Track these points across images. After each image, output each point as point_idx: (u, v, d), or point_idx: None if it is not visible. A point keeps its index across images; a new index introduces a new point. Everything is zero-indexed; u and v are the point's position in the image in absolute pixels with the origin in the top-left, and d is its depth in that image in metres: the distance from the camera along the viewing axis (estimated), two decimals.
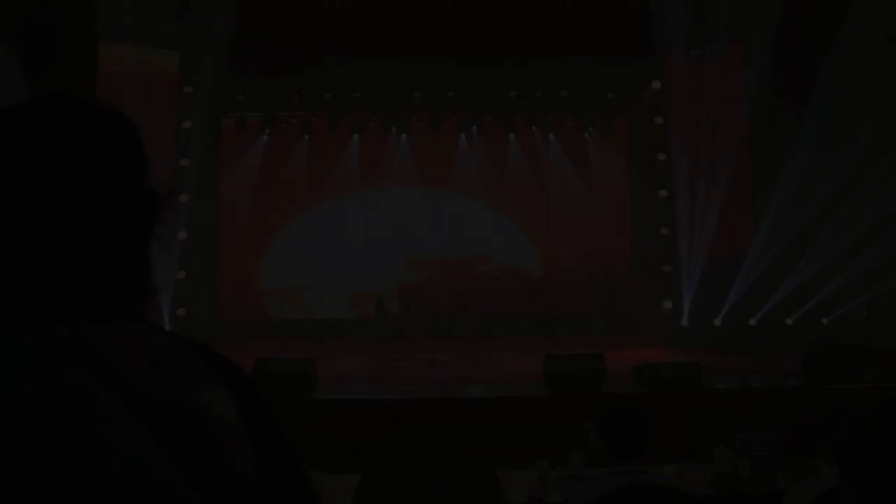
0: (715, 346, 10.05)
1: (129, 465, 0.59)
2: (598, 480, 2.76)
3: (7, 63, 9.74)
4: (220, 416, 0.69)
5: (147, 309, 0.79)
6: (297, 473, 0.78)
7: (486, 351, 10.06)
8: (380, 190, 13.01)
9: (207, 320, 11.69)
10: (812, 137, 9.85)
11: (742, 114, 10.50)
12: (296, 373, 5.65)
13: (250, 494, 0.70)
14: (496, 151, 12.87)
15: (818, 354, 6.04)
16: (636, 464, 2.79)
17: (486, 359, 9.10)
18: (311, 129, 12.28)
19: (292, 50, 10.38)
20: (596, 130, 12.37)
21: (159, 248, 0.83)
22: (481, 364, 8.76)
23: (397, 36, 10.42)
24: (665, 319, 11.29)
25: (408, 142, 12.69)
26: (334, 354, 9.29)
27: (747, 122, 10.45)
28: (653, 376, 5.63)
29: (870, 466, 1.18)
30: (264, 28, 10.13)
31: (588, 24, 10.06)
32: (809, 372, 5.94)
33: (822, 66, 9.54)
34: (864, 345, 7.53)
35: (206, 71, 11.00)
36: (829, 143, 9.83)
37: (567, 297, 12.27)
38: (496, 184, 12.84)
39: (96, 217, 0.72)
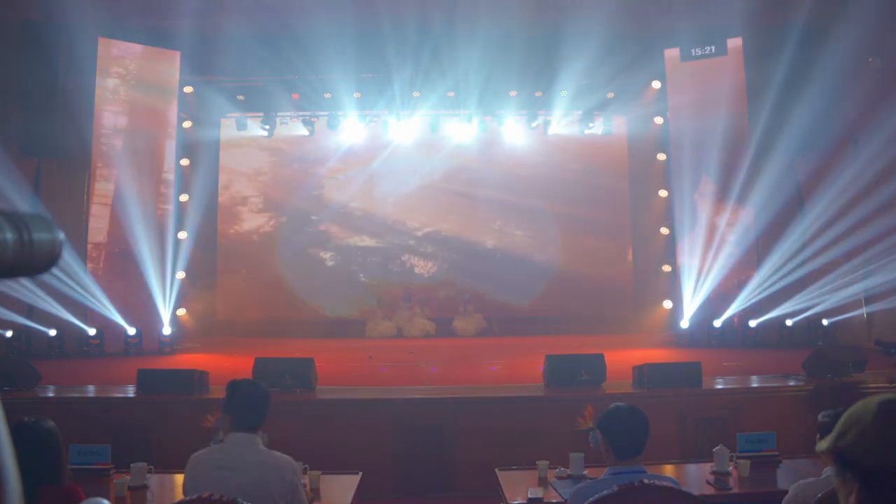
0: (715, 347, 10.05)
1: None
2: (598, 480, 2.76)
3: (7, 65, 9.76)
4: None
5: None
6: None
7: (486, 351, 10.06)
8: (380, 189, 13.01)
9: (207, 320, 11.68)
10: (811, 137, 9.86)
11: (742, 113, 10.50)
12: (295, 373, 5.65)
13: None
14: (495, 151, 12.87)
15: (818, 354, 6.04)
16: (636, 463, 2.80)
17: (486, 359, 9.10)
18: (311, 128, 12.27)
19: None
20: (596, 130, 12.36)
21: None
22: (481, 364, 8.75)
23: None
24: (665, 319, 11.29)
25: (408, 141, 12.68)
26: (334, 354, 9.28)
27: (747, 121, 10.45)
28: (653, 376, 5.62)
29: (868, 467, 1.18)
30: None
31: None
32: (809, 372, 5.94)
33: (821, 66, 9.54)
34: (864, 345, 7.53)
35: (206, 71, 11.00)
36: (830, 141, 9.84)
37: (566, 297, 12.26)
38: (495, 183, 12.82)
39: None
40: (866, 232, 9.20)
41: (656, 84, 11.56)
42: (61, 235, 0.83)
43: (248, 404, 2.95)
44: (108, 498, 2.93)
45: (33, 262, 0.79)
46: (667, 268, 11.46)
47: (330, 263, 12.86)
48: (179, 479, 3.39)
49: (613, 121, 12.43)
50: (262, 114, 12.09)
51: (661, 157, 11.71)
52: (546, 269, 12.63)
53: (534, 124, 12.38)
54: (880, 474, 1.16)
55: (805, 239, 10.12)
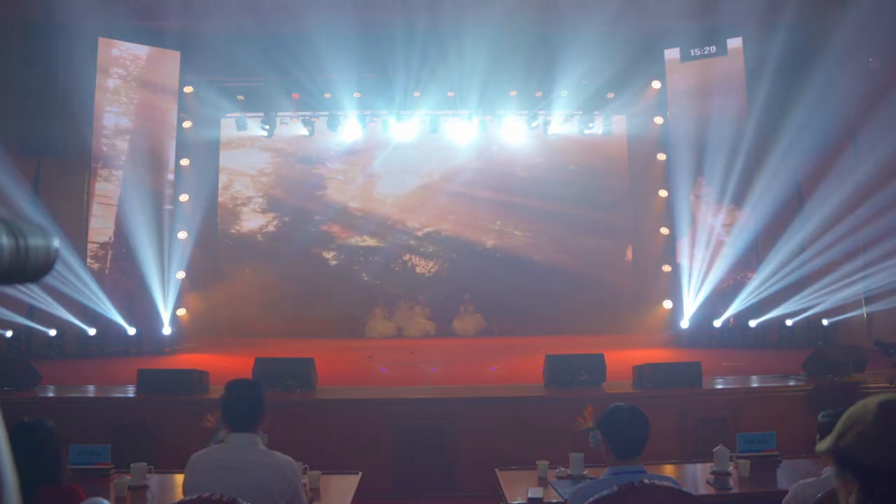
0: (715, 347, 10.05)
1: None
2: (598, 480, 2.76)
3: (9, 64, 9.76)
4: None
5: None
6: None
7: (486, 351, 10.06)
8: (381, 189, 13.02)
9: (207, 320, 11.67)
10: (811, 137, 9.86)
11: (742, 113, 10.50)
12: (295, 373, 5.65)
13: None
14: (495, 151, 12.87)
15: (818, 354, 6.04)
16: (636, 463, 2.79)
17: (486, 359, 9.10)
18: (311, 128, 12.28)
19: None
20: (596, 130, 12.36)
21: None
22: (481, 364, 8.75)
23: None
24: (665, 319, 11.29)
25: (407, 141, 12.68)
26: (334, 354, 9.29)
27: (747, 121, 10.44)
28: (653, 376, 5.62)
29: (868, 467, 1.18)
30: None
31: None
32: (809, 372, 5.94)
33: (821, 66, 9.54)
34: (864, 345, 7.54)
35: (206, 71, 10.99)
36: (830, 141, 9.83)
37: (566, 297, 12.26)
38: (495, 183, 12.83)
39: None
40: (866, 232, 9.20)
41: (656, 84, 11.56)
42: (56, 242, 0.83)
43: (241, 405, 2.93)
44: (108, 498, 2.93)
45: (28, 268, 0.79)
46: (667, 268, 11.46)
47: (333, 263, 12.89)
48: (179, 479, 3.39)
49: (613, 121, 12.43)
50: (262, 114, 12.10)
51: (661, 157, 11.71)
52: (546, 269, 12.63)
53: (534, 124, 12.38)
54: (880, 474, 1.16)
55: (805, 239, 10.12)
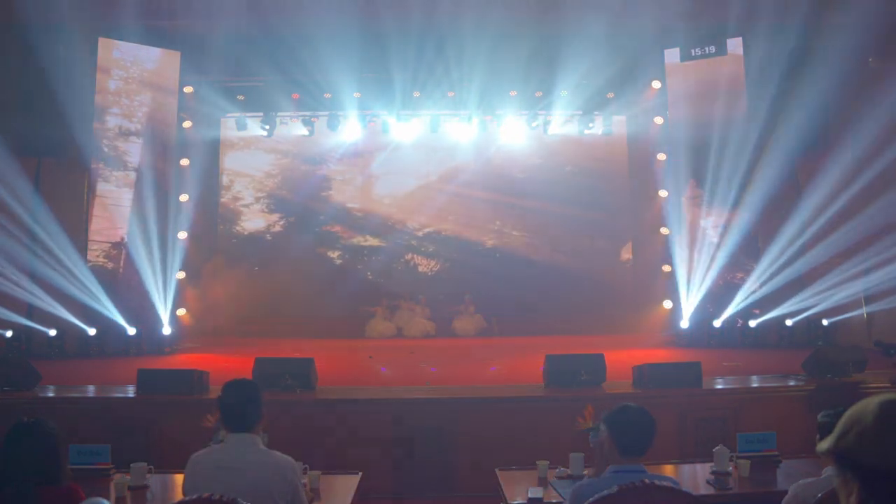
0: (715, 347, 10.05)
1: None
2: (599, 479, 2.76)
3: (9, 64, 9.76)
4: None
5: None
6: None
7: (486, 351, 10.06)
8: (381, 189, 13.02)
9: (207, 321, 11.67)
10: (810, 136, 9.85)
11: (742, 113, 10.49)
12: (295, 373, 5.65)
13: None
14: (495, 151, 12.87)
15: (818, 354, 6.04)
16: (637, 463, 2.79)
17: (486, 359, 9.10)
18: (311, 128, 12.27)
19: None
20: (596, 130, 12.36)
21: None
22: (481, 364, 8.75)
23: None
24: (665, 319, 11.28)
25: (408, 141, 12.69)
26: (334, 354, 9.28)
27: (747, 120, 10.44)
28: (653, 376, 5.62)
29: (868, 467, 1.18)
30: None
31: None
32: (809, 372, 5.94)
33: (821, 66, 9.53)
34: (864, 345, 7.53)
35: (206, 71, 10.99)
36: (829, 141, 9.84)
37: (566, 297, 12.26)
38: (495, 184, 12.84)
39: None
40: (866, 232, 9.20)
41: (656, 84, 11.56)
42: None
43: (238, 406, 2.92)
44: (108, 498, 2.94)
45: None
46: (667, 268, 11.44)
47: (338, 262, 12.91)
48: (179, 479, 3.39)
49: (613, 121, 12.42)
50: (262, 114, 12.09)
51: (661, 157, 11.70)
52: (546, 269, 12.63)
53: (534, 124, 12.37)
54: (880, 474, 1.16)
55: (804, 239, 10.12)
